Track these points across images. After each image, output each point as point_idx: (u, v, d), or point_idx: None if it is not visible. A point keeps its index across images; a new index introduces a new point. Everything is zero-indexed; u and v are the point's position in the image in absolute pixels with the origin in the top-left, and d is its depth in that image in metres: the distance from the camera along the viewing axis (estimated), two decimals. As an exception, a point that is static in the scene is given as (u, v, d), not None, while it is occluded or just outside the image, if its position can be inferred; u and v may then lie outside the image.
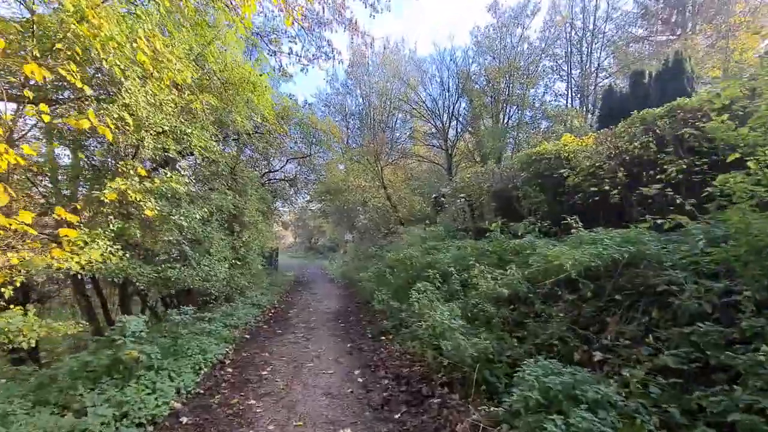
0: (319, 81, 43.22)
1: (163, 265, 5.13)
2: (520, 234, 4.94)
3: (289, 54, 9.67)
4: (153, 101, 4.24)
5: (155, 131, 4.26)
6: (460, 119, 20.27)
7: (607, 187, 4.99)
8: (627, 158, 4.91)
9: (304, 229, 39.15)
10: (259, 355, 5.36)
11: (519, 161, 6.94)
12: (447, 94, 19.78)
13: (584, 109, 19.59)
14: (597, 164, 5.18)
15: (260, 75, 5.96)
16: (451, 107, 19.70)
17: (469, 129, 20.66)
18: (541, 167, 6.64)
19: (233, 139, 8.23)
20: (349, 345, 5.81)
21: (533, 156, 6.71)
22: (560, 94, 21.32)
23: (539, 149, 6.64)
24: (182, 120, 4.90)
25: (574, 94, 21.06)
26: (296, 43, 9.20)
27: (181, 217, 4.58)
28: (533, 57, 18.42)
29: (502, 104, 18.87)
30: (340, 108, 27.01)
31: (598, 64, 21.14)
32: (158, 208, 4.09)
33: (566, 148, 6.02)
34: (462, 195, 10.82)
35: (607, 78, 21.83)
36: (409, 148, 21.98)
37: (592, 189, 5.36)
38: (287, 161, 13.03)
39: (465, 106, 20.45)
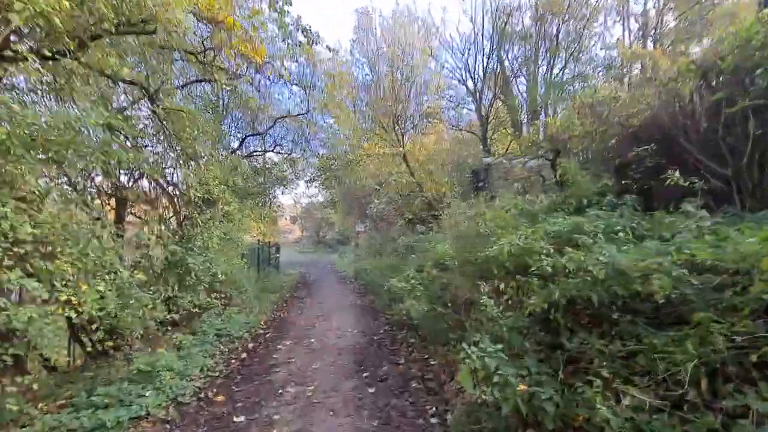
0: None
1: None
2: None
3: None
4: None
5: None
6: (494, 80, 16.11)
7: None
8: None
9: (311, 221, 35.88)
10: None
11: (737, 41, 3.01)
12: (480, 45, 15.58)
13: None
14: None
15: None
16: (485, 61, 15.58)
17: (501, 96, 16.49)
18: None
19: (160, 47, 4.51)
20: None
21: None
22: (612, 45, 17.03)
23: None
24: None
25: (633, 39, 16.78)
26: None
27: None
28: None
29: (551, 52, 14.73)
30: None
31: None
32: None
33: None
34: (542, 150, 6.99)
35: (674, 21, 17.71)
36: (433, 117, 17.95)
37: None
38: (275, 122, 9.28)
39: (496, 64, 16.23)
